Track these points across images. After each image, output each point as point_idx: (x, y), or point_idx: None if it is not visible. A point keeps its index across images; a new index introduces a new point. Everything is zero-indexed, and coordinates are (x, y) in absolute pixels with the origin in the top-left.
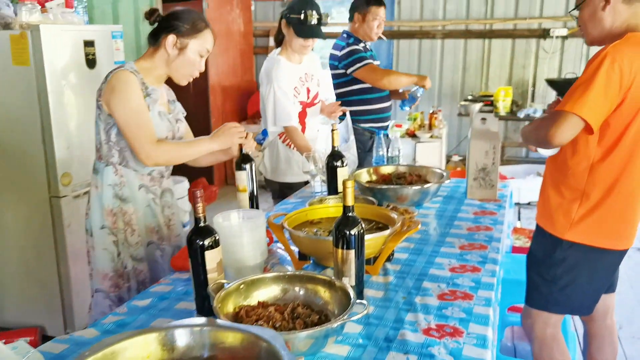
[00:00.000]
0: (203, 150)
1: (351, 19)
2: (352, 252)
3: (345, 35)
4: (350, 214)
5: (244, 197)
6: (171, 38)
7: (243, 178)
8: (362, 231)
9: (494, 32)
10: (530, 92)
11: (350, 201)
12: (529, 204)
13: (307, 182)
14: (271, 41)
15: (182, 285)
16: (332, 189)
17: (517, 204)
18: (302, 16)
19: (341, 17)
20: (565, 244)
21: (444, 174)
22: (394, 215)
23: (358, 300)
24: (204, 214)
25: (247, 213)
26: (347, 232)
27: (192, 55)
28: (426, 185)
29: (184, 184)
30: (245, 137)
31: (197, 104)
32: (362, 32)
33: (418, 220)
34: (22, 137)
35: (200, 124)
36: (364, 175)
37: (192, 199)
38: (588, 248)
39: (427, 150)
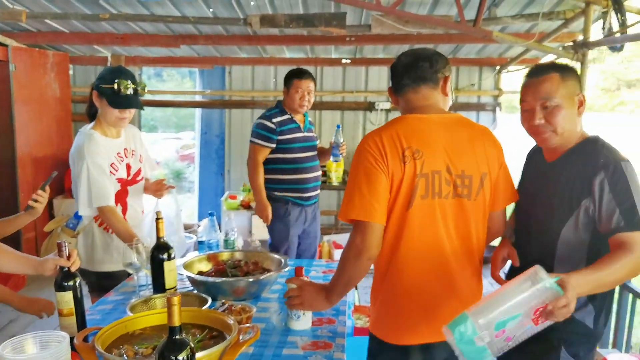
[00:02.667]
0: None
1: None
2: None
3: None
4: (176, 337)
5: (70, 323)
6: None
7: (67, 300)
8: (190, 355)
9: (323, 104)
10: None
11: (176, 321)
12: None
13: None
14: None
15: None
16: (159, 285)
17: None
18: (115, 86)
19: (172, 79)
20: (370, 336)
21: (282, 260)
22: (230, 321)
23: None
24: None
25: (46, 336)
26: (174, 358)
27: None
28: (263, 277)
29: None
30: (69, 258)
31: (1, 177)
32: (288, 104)
33: (257, 326)
34: None
35: (5, 201)
36: (197, 265)
37: None
38: (377, 340)
39: (262, 222)
